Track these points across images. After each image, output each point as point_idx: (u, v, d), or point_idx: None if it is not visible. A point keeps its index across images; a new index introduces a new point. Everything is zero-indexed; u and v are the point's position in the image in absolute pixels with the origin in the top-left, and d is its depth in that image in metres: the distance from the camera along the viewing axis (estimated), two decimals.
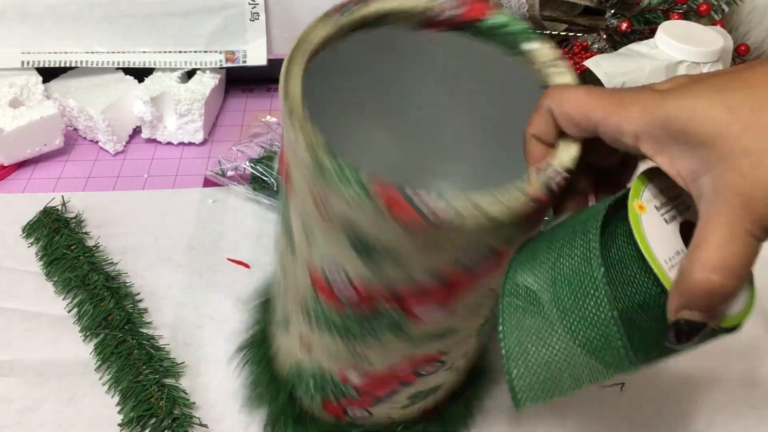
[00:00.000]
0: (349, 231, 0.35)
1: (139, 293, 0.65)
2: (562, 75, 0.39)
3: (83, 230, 0.71)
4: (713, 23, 0.83)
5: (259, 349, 0.56)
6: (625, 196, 0.33)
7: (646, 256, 0.30)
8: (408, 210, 0.32)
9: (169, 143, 0.84)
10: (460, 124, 0.50)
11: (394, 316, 0.40)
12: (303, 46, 0.37)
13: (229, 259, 0.69)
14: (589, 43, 0.91)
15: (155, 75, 0.84)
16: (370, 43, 0.42)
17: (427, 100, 0.49)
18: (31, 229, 0.71)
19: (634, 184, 0.33)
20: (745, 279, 0.28)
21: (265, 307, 0.59)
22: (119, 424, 0.54)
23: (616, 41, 0.89)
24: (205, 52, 0.85)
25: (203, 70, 0.85)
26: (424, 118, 0.51)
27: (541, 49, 0.40)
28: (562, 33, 0.95)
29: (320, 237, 0.38)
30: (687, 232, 0.32)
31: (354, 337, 0.43)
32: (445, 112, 0.50)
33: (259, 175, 0.75)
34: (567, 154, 0.34)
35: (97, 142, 0.84)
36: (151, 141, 0.84)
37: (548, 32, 0.95)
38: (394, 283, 0.37)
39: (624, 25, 0.86)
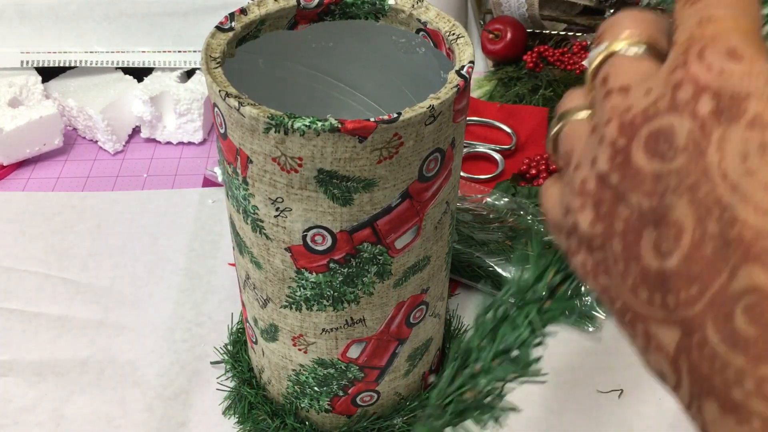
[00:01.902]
0: (322, 179, 0.38)
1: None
2: (431, 11, 0.46)
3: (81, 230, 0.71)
4: None
5: (249, 390, 0.56)
6: None
7: None
8: (359, 121, 0.36)
9: (168, 143, 0.84)
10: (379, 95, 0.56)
11: (378, 257, 0.43)
12: (208, 52, 0.42)
13: (230, 264, 0.69)
14: (589, 42, 0.91)
15: (154, 74, 0.84)
16: (250, 55, 0.47)
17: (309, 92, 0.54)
18: None
19: None
20: None
21: (236, 358, 0.58)
22: None
23: None
24: None
25: None
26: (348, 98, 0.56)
27: (399, 1, 0.47)
28: (561, 32, 0.95)
29: (296, 207, 0.40)
30: None
31: (346, 301, 0.45)
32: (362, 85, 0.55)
33: None
34: None
35: (96, 141, 0.84)
36: (151, 140, 0.84)
37: (548, 31, 0.95)
38: (372, 218, 0.41)
39: None
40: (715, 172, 0.20)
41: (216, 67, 0.41)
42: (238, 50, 0.45)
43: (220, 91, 0.38)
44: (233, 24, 0.44)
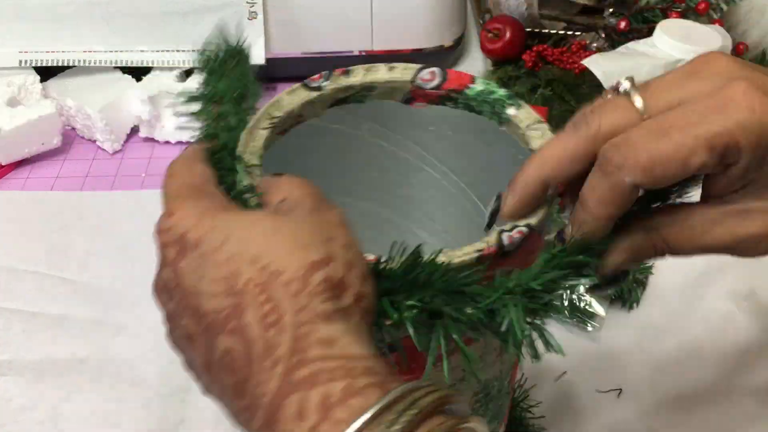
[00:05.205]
0: None
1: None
2: (541, 137, 0.38)
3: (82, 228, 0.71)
4: (712, 22, 0.83)
5: None
6: None
7: None
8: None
9: (167, 142, 0.84)
10: (443, 192, 0.50)
11: None
12: (269, 112, 0.38)
13: None
14: (588, 42, 0.91)
15: (153, 74, 0.84)
16: (354, 117, 0.42)
17: (416, 174, 0.49)
18: None
19: None
20: None
21: None
22: None
23: (615, 40, 0.89)
24: None
25: None
26: (411, 191, 0.51)
27: (522, 113, 0.40)
28: (560, 32, 0.95)
29: None
30: None
31: None
32: (430, 182, 0.50)
33: None
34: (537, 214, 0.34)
35: (95, 141, 0.84)
36: (149, 140, 0.84)
37: (547, 31, 0.95)
38: None
39: (622, 24, 0.86)
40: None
41: (265, 128, 0.37)
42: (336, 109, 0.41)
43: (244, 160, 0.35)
44: (325, 83, 0.40)
